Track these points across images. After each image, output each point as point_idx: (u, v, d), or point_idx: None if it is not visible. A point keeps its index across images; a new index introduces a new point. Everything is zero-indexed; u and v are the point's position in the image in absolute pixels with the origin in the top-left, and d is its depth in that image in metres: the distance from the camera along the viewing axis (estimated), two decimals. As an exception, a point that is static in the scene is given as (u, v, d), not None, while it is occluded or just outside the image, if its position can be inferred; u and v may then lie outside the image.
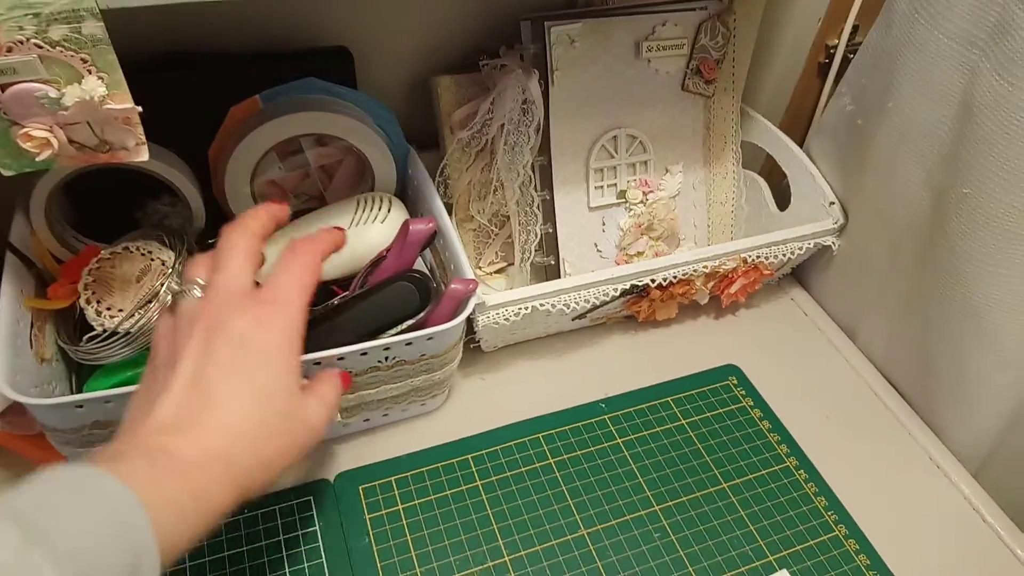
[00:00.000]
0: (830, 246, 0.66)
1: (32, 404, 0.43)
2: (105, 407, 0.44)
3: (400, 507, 0.52)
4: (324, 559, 0.49)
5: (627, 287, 0.59)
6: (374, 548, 0.50)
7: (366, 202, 0.57)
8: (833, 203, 0.66)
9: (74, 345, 0.51)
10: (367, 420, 0.56)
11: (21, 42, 0.35)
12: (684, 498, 0.55)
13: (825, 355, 0.68)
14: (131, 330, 0.50)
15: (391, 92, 0.63)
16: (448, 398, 0.60)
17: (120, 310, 0.51)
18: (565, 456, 0.57)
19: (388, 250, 0.51)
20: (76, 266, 0.53)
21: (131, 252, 0.53)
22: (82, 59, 0.36)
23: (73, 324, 0.53)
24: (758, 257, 0.63)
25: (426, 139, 0.65)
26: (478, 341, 0.60)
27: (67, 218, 0.56)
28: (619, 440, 0.58)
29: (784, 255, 0.64)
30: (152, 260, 0.53)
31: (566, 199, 0.64)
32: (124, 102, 0.39)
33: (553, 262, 0.65)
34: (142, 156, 0.41)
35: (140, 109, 0.39)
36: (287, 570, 0.48)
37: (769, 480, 0.57)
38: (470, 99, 0.63)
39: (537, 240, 0.64)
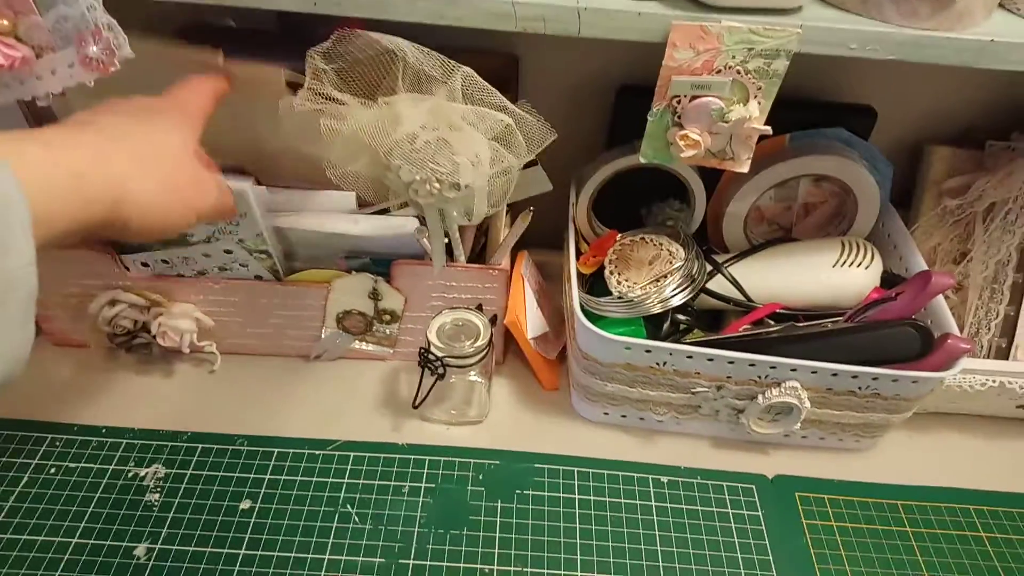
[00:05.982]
0: None
1: (587, 332, 0.55)
2: (625, 351, 0.55)
3: (833, 523, 0.57)
4: (767, 541, 0.55)
5: (1107, 390, 0.58)
6: (811, 550, 0.55)
7: (850, 246, 0.62)
8: None
9: (589, 297, 0.63)
10: (805, 437, 0.61)
11: (728, 67, 0.45)
12: None
13: None
14: (634, 299, 0.61)
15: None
16: (876, 443, 0.63)
17: (635, 283, 0.62)
18: (997, 535, 0.57)
19: (899, 293, 0.55)
20: (601, 245, 0.65)
21: (646, 241, 0.64)
22: (757, 87, 0.46)
23: (582, 283, 0.66)
24: None
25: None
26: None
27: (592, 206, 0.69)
28: (1061, 540, 0.57)
29: None
30: (662, 250, 0.64)
31: (1041, 287, 0.64)
32: (760, 124, 0.48)
33: (1004, 344, 0.65)
34: (744, 168, 0.51)
35: (770, 130, 0.48)
36: (735, 539, 0.55)
37: None
38: (959, 172, 0.66)
39: (998, 319, 0.65)
